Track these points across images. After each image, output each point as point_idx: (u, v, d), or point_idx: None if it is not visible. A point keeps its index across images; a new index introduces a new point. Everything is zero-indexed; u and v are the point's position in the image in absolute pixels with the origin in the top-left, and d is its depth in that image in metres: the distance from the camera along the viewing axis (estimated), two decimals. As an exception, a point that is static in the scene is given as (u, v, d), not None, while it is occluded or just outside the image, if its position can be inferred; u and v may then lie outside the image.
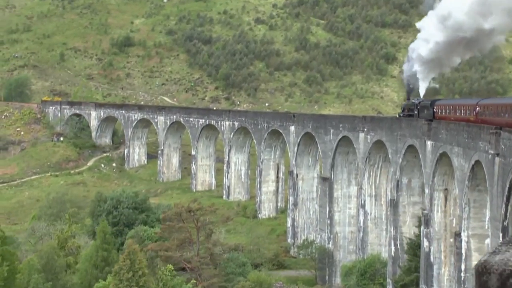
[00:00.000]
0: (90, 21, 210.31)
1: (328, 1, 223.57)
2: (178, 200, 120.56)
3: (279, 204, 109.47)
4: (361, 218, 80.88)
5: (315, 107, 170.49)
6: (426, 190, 63.72)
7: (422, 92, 74.17)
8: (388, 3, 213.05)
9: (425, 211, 63.54)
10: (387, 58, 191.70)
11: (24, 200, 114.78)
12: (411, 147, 67.90)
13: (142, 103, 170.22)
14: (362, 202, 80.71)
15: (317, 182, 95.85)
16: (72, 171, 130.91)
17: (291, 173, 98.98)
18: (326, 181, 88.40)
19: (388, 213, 75.45)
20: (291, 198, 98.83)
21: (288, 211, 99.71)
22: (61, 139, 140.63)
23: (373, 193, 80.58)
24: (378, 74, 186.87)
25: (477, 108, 54.10)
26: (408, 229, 71.05)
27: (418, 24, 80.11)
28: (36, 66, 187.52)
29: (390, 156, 73.59)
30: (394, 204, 71.95)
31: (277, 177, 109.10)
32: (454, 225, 61.64)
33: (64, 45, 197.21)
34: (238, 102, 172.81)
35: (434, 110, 65.40)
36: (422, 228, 63.82)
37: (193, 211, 75.55)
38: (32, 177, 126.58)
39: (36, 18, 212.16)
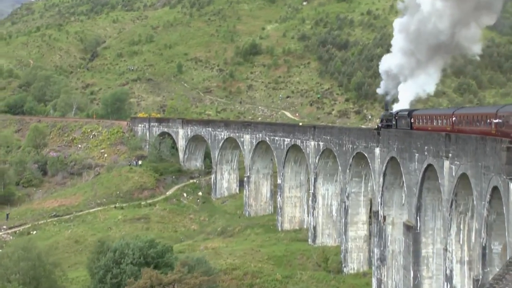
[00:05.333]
0: (217, 28, 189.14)
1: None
2: (254, 243, 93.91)
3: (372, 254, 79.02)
4: (447, 297, 50.19)
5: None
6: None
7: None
8: None
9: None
10: None
11: (62, 241, 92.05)
12: (497, 191, 37.34)
13: (259, 119, 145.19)
14: (448, 271, 50.03)
15: (410, 229, 65.08)
16: (143, 202, 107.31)
17: (375, 214, 69.17)
18: (410, 231, 58.28)
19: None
20: (376, 251, 68.79)
21: (373, 268, 69.80)
22: (140, 162, 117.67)
23: (465, 258, 49.60)
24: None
25: (453, 118, 50.07)
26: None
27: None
28: (151, 79, 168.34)
29: (474, 202, 42.96)
30: (480, 286, 41.33)
31: (370, 217, 78.73)
32: None
33: (185, 56, 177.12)
34: (369, 117, 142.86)
35: (412, 120, 60.86)
36: None
37: (166, 285, 48.61)
38: (92, 210, 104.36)
39: (161, 28, 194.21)
